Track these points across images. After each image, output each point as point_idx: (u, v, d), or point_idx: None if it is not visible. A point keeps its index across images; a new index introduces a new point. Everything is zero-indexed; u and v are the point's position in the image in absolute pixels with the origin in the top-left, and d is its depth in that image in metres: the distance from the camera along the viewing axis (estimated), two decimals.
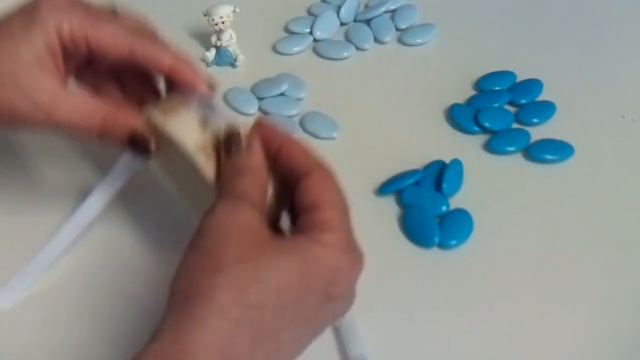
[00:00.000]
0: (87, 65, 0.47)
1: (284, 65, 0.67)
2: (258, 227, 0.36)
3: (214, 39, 0.66)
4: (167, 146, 0.43)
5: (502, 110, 0.60)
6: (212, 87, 0.45)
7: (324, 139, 0.60)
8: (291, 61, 0.68)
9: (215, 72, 0.66)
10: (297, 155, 0.39)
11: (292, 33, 0.70)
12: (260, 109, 0.62)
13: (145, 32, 0.46)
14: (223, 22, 0.64)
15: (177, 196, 0.47)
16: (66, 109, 0.43)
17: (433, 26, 0.70)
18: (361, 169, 0.57)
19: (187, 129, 0.41)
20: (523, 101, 0.61)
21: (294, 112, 0.62)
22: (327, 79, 0.66)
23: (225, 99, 0.63)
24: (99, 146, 0.44)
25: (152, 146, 0.44)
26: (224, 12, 0.64)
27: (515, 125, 0.60)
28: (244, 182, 0.38)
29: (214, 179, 0.40)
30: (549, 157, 0.57)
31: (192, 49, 0.68)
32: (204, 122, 0.42)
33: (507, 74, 0.64)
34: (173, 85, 0.46)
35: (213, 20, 0.64)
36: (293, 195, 0.38)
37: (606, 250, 0.51)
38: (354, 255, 0.37)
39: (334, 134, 0.60)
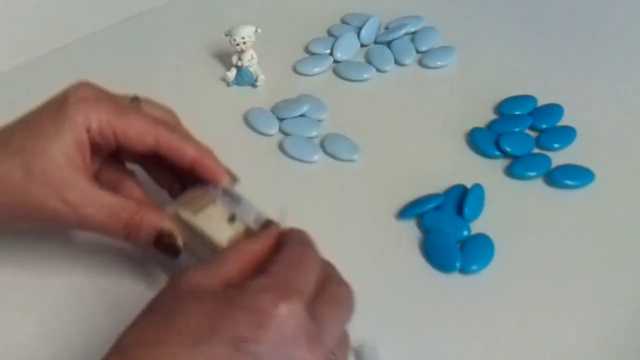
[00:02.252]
0: (109, 162, 0.48)
1: (304, 85, 0.67)
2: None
3: (235, 59, 0.66)
4: (195, 240, 0.44)
5: (523, 135, 0.60)
6: (233, 179, 0.47)
7: (345, 161, 0.60)
8: (311, 82, 0.68)
9: (236, 92, 0.67)
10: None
11: (312, 54, 0.71)
12: (280, 129, 0.62)
13: (169, 120, 0.47)
14: (244, 43, 0.65)
15: None
16: (94, 207, 0.43)
17: (453, 49, 0.70)
18: (382, 192, 0.57)
19: (215, 225, 0.43)
20: (544, 126, 0.61)
21: (314, 133, 0.62)
22: (347, 100, 0.66)
23: (246, 119, 0.63)
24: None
25: (180, 246, 0.44)
26: (246, 33, 0.65)
27: (536, 150, 0.60)
28: None
29: None
30: (569, 182, 0.57)
31: (213, 69, 0.69)
32: (232, 218, 0.43)
33: (528, 98, 0.64)
34: (194, 177, 0.47)
35: (235, 40, 0.65)
36: None
37: (628, 276, 0.51)
38: (281, 298, 0.34)
39: (355, 156, 0.60)
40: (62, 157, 0.43)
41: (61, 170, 0.43)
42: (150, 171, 0.50)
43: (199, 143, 0.46)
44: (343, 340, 0.39)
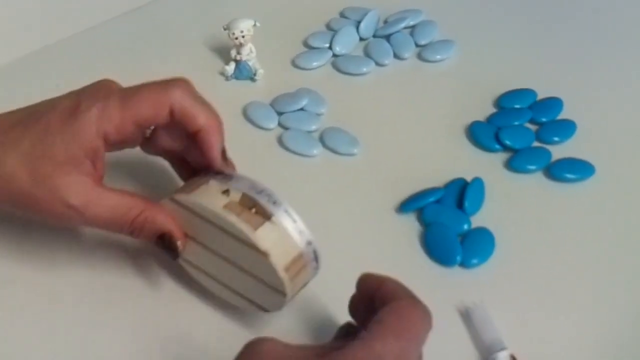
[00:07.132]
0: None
1: (303, 79, 0.67)
2: None
3: (233, 52, 0.66)
4: (195, 221, 0.44)
5: (523, 129, 0.60)
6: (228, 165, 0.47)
7: (344, 155, 0.60)
8: (310, 76, 0.68)
9: (235, 86, 0.67)
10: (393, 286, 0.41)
11: (311, 48, 0.70)
12: (279, 123, 0.62)
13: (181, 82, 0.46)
14: (243, 36, 0.64)
15: (211, 290, 0.48)
16: (98, 208, 0.44)
17: (453, 42, 0.70)
18: (382, 185, 0.57)
19: (210, 197, 0.43)
20: (544, 119, 0.61)
21: (313, 127, 0.62)
22: (346, 94, 0.66)
23: (245, 113, 0.63)
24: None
25: (179, 249, 0.45)
26: (245, 27, 0.64)
27: (536, 144, 0.59)
28: None
29: (250, 233, 0.41)
30: (569, 176, 0.57)
31: (212, 63, 0.69)
32: (226, 191, 0.43)
33: (527, 92, 0.64)
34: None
35: (233, 34, 0.64)
36: None
37: (628, 269, 0.51)
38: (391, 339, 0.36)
39: (355, 150, 0.59)
40: (69, 165, 0.43)
41: (68, 176, 0.43)
42: (173, 164, 0.50)
43: (210, 110, 0.46)
44: None
